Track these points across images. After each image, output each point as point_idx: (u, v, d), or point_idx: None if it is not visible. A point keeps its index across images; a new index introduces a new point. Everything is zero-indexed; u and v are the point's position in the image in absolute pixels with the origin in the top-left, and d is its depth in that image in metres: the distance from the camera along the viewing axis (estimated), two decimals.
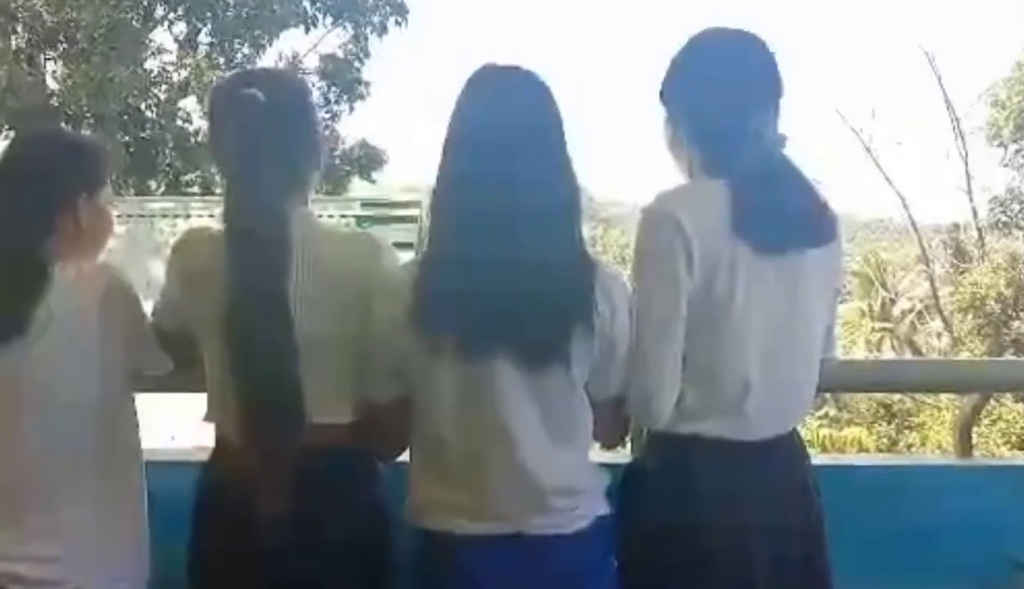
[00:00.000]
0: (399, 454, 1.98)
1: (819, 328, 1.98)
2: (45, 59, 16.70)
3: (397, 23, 17.75)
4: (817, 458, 2.26)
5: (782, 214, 1.85)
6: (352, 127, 17.56)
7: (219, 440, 2.00)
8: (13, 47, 16.14)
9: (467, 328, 1.73)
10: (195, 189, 16.15)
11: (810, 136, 18.83)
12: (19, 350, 1.89)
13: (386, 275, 1.91)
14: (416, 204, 9.83)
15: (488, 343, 1.74)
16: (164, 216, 10.24)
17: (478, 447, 1.80)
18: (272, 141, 1.87)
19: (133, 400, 2.10)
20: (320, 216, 2.13)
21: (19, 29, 16.22)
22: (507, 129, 1.77)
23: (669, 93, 2.00)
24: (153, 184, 16.36)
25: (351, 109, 17.46)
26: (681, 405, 1.88)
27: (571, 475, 1.86)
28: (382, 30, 17.70)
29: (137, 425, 2.09)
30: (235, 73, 2.09)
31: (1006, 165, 19.65)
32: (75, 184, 2.02)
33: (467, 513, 1.82)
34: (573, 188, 1.82)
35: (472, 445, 1.80)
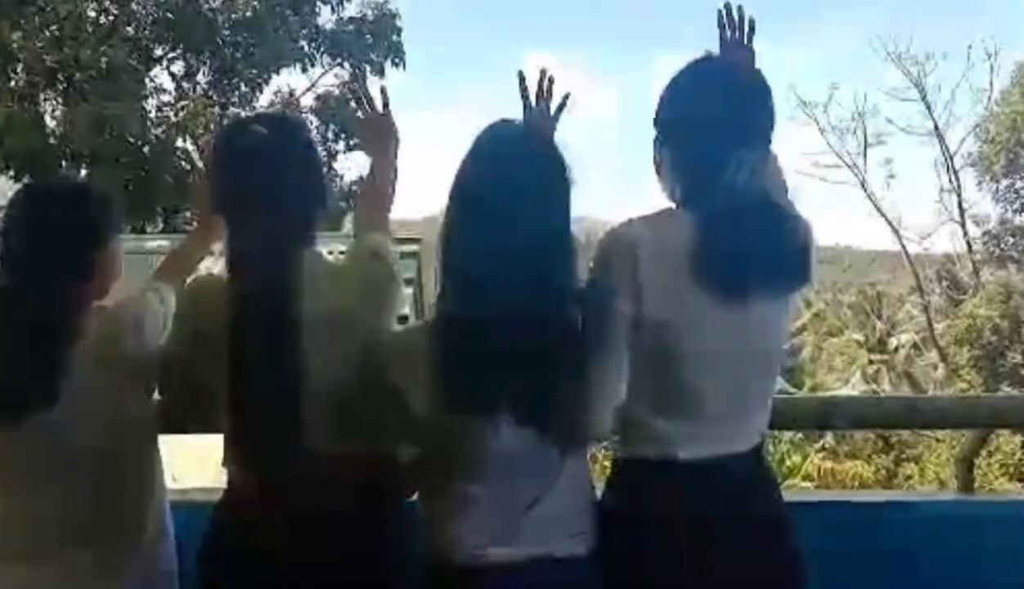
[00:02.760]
0: (411, 495, 2.02)
1: (778, 360, 2.00)
2: (44, 98, 16.80)
3: (394, 64, 17.91)
4: (821, 494, 2.26)
5: (748, 256, 1.84)
6: (349, 164, 17.53)
7: (230, 482, 2.02)
8: (12, 86, 16.25)
9: (482, 389, 1.77)
10: (192, 227, 16.19)
11: (804, 170, 18.96)
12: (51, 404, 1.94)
13: (393, 332, 1.98)
14: (415, 241, 9.90)
15: (500, 402, 1.78)
16: (161, 254, 10.26)
17: (497, 489, 1.85)
18: (274, 183, 1.91)
19: (157, 443, 2.14)
20: (330, 253, 2.16)
21: (18, 69, 16.34)
22: (510, 188, 1.79)
23: (658, 117, 2.00)
24: (149, 225, 16.40)
25: (348, 147, 17.52)
26: (645, 431, 1.89)
27: (583, 506, 1.92)
28: (379, 71, 17.84)
29: (160, 465, 2.14)
30: (236, 119, 2.13)
31: (998, 200, 19.79)
32: (88, 239, 2.05)
33: (490, 543, 1.84)
34: (570, 243, 1.84)
35: (490, 486, 1.85)
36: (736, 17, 2.18)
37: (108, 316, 2.03)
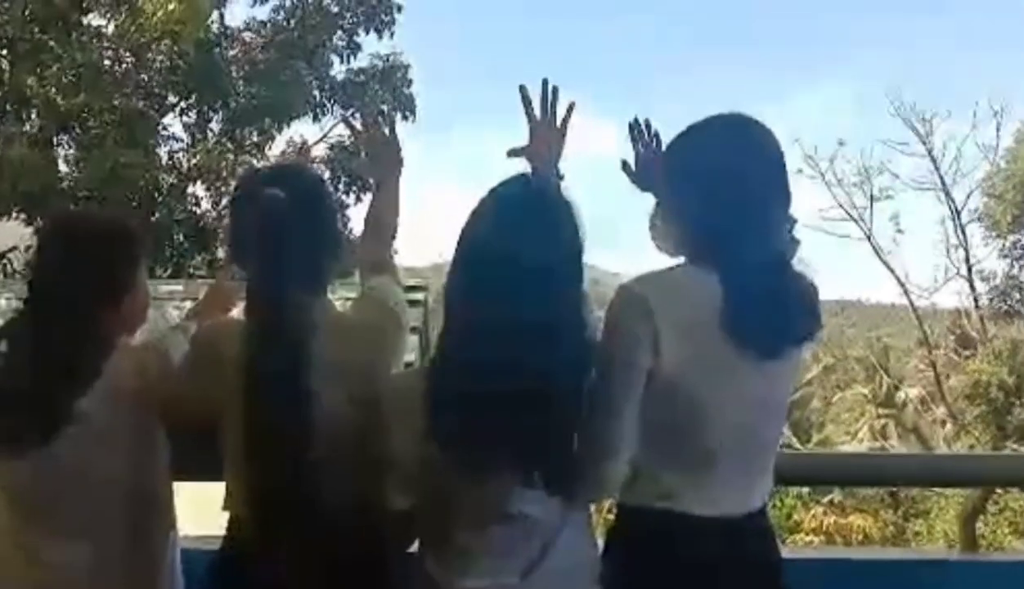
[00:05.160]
0: (408, 548, 2.01)
1: (783, 417, 2.03)
2: (58, 143, 16.95)
3: (405, 117, 18.03)
4: (824, 552, 2.26)
5: (776, 319, 1.85)
6: (360, 212, 17.60)
7: (232, 527, 2.03)
8: (27, 131, 16.41)
9: (479, 437, 1.76)
10: (203, 271, 16.25)
11: (811, 224, 18.99)
12: (67, 437, 1.96)
13: (392, 376, 1.99)
14: (422, 288, 9.90)
15: (498, 452, 1.76)
16: (173, 299, 10.28)
17: (498, 542, 1.84)
18: (294, 239, 1.92)
19: (171, 483, 2.16)
20: (338, 299, 2.19)
21: (33, 114, 16.51)
22: (516, 246, 1.77)
23: (672, 170, 2.01)
24: (160, 269, 16.46)
25: (358, 199, 17.60)
26: (655, 483, 1.89)
27: (587, 561, 1.91)
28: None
29: (173, 505, 2.17)
30: (256, 169, 2.17)
31: (1005, 255, 19.76)
32: (118, 271, 2.08)
33: None
34: (578, 302, 1.82)
35: (490, 539, 1.84)
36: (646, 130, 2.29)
37: (135, 354, 2.06)
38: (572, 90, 2.25)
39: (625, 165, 2.31)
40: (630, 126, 2.31)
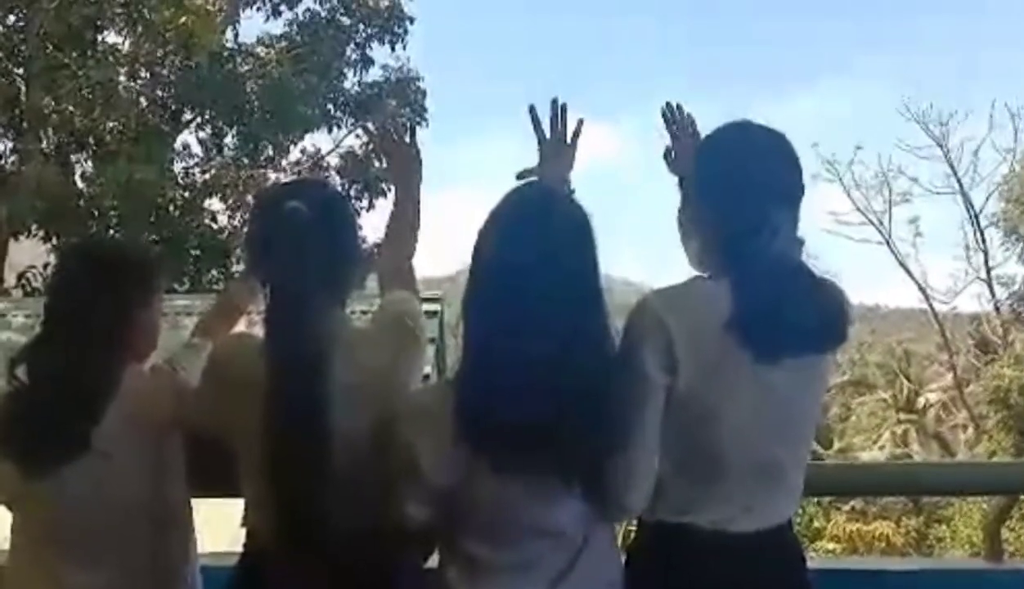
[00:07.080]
0: (425, 562, 1.99)
1: (812, 426, 1.99)
2: (74, 160, 17.09)
3: (417, 123, 18.11)
4: (846, 562, 2.22)
5: (785, 322, 1.80)
6: (371, 220, 17.60)
7: (250, 544, 2.01)
8: (43, 148, 16.55)
9: (501, 451, 1.72)
10: (219, 285, 16.33)
11: (829, 228, 18.92)
12: (86, 461, 1.96)
13: (415, 401, 1.94)
14: (437, 299, 9.91)
15: (519, 465, 1.72)
16: (188, 314, 10.32)
17: (529, 560, 1.80)
18: (314, 252, 1.91)
19: (191, 506, 2.16)
20: (351, 312, 2.18)
21: (50, 131, 16.65)
22: (531, 254, 1.75)
23: (688, 181, 2.00)
24: (176, 283, 16.55)
25: (371, 206, 17.67)
26: (672, 496, 1.85)
27: (611, 579, 1.87)
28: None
29: (193, 528, 2.16)
30: (279, 185, 2.17)
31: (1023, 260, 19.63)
32: (134, 299, 2.09)
33: None
34: (597, 307, 1.79)
35: (509, 554, 1.81)
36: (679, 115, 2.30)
37: (149, 377, 2.07)
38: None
39: (667, 153, 2.31)
40: (663, 113, 2.32)
